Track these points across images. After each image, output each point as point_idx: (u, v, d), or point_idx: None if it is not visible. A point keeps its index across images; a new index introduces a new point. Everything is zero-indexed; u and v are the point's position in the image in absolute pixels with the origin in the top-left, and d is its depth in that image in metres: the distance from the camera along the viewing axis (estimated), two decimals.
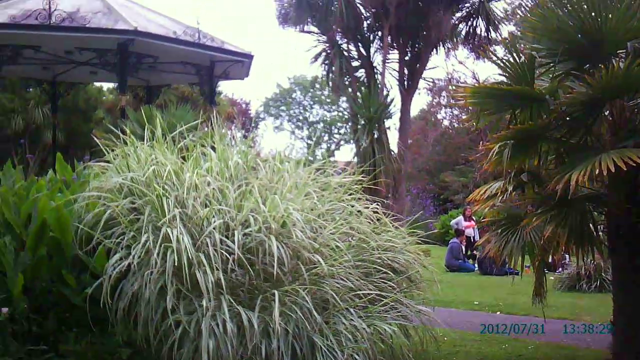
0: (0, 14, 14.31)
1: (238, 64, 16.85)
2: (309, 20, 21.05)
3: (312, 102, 40.36)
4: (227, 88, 28.65)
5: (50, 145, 21.61)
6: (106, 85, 28.18)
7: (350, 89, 23.23)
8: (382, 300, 6.09)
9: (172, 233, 5.19)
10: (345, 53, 23.17)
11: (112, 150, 6.58)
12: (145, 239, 5.27)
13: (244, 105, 35.38)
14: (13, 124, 24.00)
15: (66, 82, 20.82)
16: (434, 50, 23.76)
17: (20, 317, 5.74)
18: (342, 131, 39.95)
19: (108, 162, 6.56)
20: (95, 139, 7.12)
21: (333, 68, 22.86)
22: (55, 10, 13.36)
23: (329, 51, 23.03)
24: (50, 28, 13.43)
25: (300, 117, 41.03)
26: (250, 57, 16.57)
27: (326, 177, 7.04)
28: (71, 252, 6.16)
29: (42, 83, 20.82)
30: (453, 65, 55.66)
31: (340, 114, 38.91)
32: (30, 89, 25.53)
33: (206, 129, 9.13)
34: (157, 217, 5.55)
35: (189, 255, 5.11)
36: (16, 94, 25.02)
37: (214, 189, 5.85)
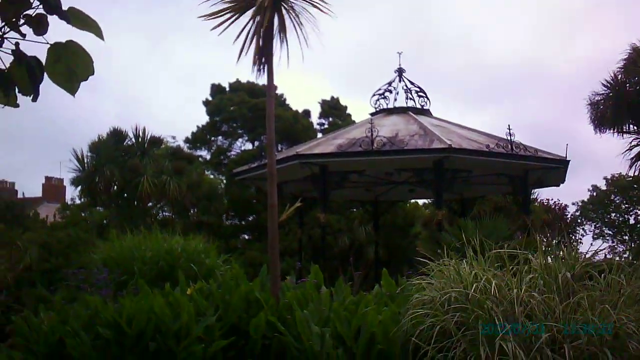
0: (330, 145, 16.03)
1: (553, 170, 16.41)
2: (629, 121, 19.82)
3: (631, 204, 37.26)
4: (542, 193, 27.90)
5: (372, 261, 22.97)
6: (421, 201, 29.37)
7: None
8: None
9: (508, 347, 5.15)
10: None
11: (433, 263, 6.76)
12: (481, 352, 5.27)
13: (559, 211, 33.92)
14: (339, 242, 25.98)
15: (386, 201, 22.26)
16: None
17: None
18: None
19: (429, 275, 6.74)
20: (416, 253, 7.43)
21: None
22: (376, 136, 14.53)
23: None
24: (373, 153, 14.58)
25: (620, 220, 37.96)
26: (565, 162, 16.01)
27: None
28: None
29: (365, 203, 22.54)
30: None
31: None
32: (354, 210, 27.65)
33: (523, 238, 8.95)
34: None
35: None
36: (342, 214, 27.25)
37: (539, 301, 5.65)
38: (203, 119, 32.72)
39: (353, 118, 31.91)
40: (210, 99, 32.49)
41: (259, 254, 23.79)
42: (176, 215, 26.73)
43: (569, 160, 15.93)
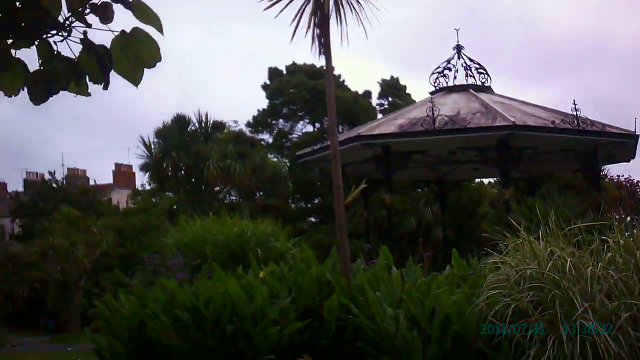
0: (391, 125, 15.96)
1: (622, 145, 15.97)
2: None
3: None
4: (611, 170, 27.07)
5: (440, 241, 22.86)
6: (487, 180, 28.95)
7: None
8: None
9: (590, 326, 5.16)
10: None
11: (503, 244, 6.71)
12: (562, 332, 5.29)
13: (630, 187, 32.80)
14: (406, 223, 25.91)
15: (451, 180, 22.07)
16: None
17: None
18: None
19: (502, 253, 6.69)
20: (484, 234, 7.38)
21: None
22: (438, 115, 14.38)
23: None
24: (435, 132, 14.47)
25: None
26: (635, 137, 15.53)
27: None
28: (474, 345, 6.38)
29: (430, 183, 22.41)
30: None
31: None
32: (419, 190, 27.50)
33: (595, 215, 8.79)
34: (566, 310, 5.51)
35: (611, 348, 5.02)
36: (407, 195, 27.14)
37: (616, 279, 5.58)
38: (262, 102, 33.04)
39: (413, 97, 31.67)
40: (268, 82, 32.75)
41: (325, 237, 23.98)
42: (242, 199, 27.18)
43: (638, 135, 15.47)
